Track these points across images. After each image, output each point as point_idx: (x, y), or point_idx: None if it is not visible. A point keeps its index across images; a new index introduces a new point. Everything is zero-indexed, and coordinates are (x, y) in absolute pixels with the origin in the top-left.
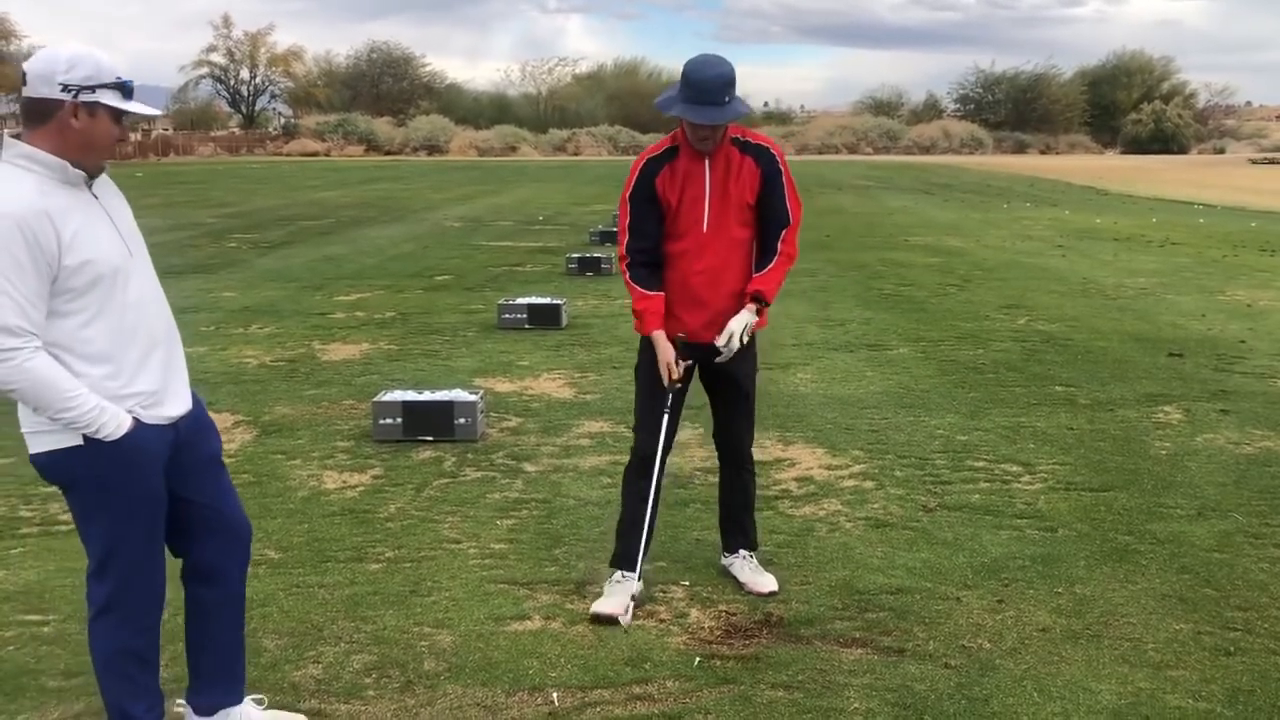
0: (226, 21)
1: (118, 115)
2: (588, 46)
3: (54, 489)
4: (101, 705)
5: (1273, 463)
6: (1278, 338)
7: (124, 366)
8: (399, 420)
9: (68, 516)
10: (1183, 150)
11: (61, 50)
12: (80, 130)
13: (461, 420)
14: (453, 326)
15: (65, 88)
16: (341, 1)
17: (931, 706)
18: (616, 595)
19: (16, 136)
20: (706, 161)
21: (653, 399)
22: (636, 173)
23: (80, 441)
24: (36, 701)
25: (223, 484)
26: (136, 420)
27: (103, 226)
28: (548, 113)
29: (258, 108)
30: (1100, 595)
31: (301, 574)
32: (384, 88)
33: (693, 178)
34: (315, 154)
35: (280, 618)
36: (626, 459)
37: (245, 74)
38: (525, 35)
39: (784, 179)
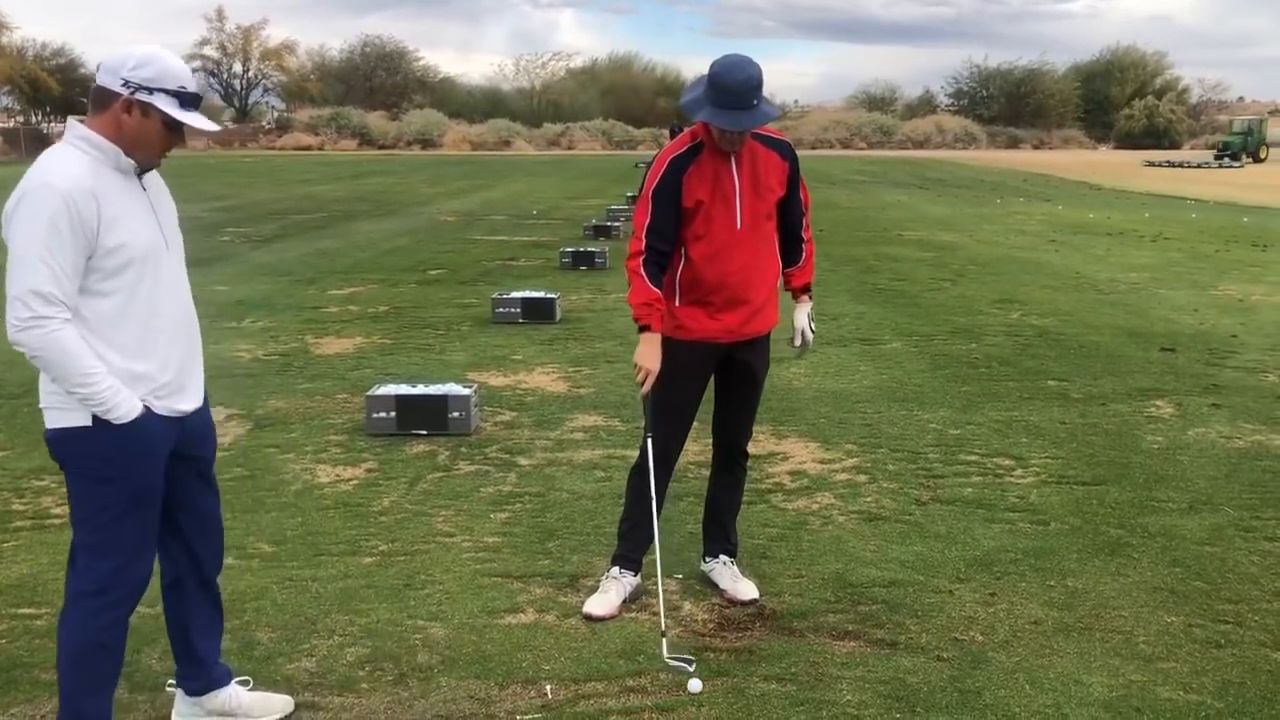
0: (219, 15)
1: (171, 122)
2: (580, 41)
3: (47, 483)
4: None
5: (1263, 456)
6: (1269, 332)
7: (145, 354)
8: (392, 414)
9: (61, 510)
10: (1175, 145)
11: (137, 49)
12: (131, 126)
13: (455, 414)
14: (446, 320)
15: (126, 83)
16: None
17: (924, 699)
18: (611, 593)
19: (82, 120)
20: (732, 159)
21: (671, 401)
22: (663, 168)
23: (89, 422)
24: (29, 695)
25: (209, 483)
26: (147, 409)
27: (144, 214)
28: (541, 107)
29: (250, 101)
30: (1092, 588)
31: (295, 567)
32: (377, 82)
33: (722, 176)
34: (308, 148)
35: (274, 611)
36: (620, 452)
37: (238, 67)
38: (517, 29)
39: (799, 171)
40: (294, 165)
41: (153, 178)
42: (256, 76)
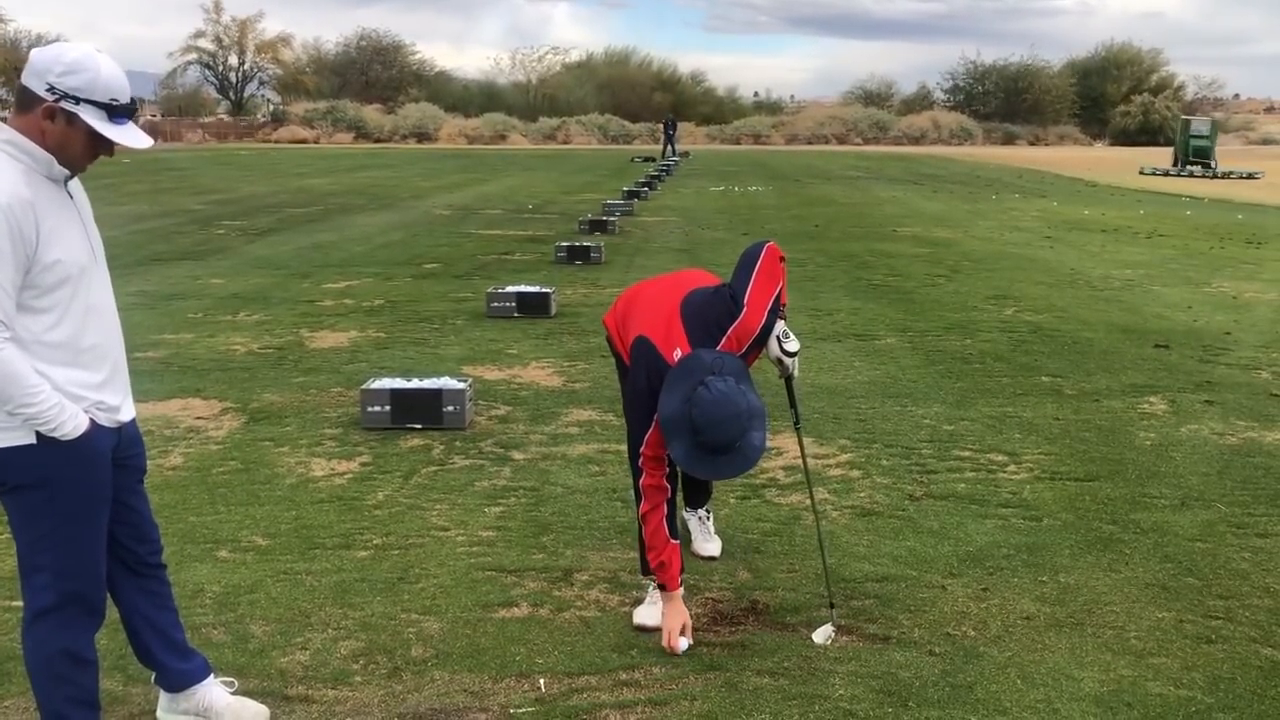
0: (216, 7)
1: (97, 134)
2: (574, 35)
3: None
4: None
5: (1256, 453)
6: (1262, 330)
7: (83, 370)
8: (387, 408)
9: None
10: (1170, 143)
11: (69, 51)
12: (54, 134)
13: (450, 408)
14: (441, 315)
15: (51, 89)
16: None
17: (916, 693)
18: (661, 603)
19: (3, 120)
20: None
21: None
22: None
23: (33, 440)
24: (23, 686)
25: (143, 493)
26: (93, 421)
27: (75, 226)
28: (537, 101)
29: (246, 94)
30: (1084, 584)
31: (289, 561)
32: (373, 75)
33: None
34: (304, 141)
35: (268, 604)
36: (615, 447)
37: (234, 60)
38: (511, 23)
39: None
40: (289, 159)
41: (74, 184)
42: (252, 69)
